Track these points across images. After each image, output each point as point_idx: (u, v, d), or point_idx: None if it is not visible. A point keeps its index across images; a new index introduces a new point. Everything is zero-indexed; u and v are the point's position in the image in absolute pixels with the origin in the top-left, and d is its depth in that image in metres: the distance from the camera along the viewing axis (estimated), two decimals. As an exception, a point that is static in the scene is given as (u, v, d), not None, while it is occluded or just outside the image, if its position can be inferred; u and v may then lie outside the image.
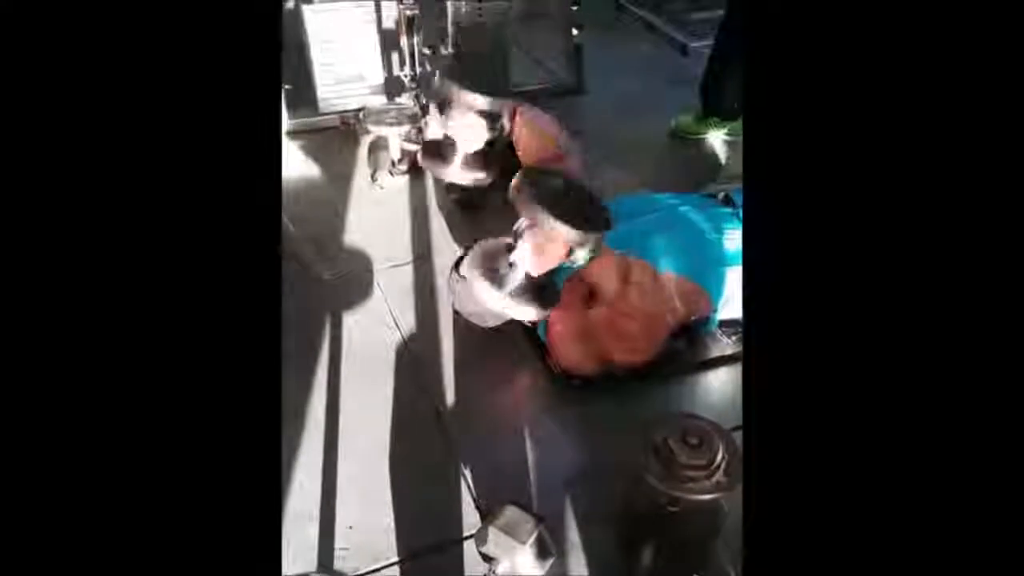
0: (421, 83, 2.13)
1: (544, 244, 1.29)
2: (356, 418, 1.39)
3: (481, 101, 1.68)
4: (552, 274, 1.49)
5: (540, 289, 1.36)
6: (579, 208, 1.28)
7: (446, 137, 1.76)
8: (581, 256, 1.29)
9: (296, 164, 2.16)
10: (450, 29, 2.30)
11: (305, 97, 2.25)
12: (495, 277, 1.33)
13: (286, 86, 2.23)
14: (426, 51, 2.18)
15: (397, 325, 1.60)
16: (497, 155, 1.81)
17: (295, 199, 2.00)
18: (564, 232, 1.23)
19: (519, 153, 1.84)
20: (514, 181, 1.29)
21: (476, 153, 1.76)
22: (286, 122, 2.23)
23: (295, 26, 2.23)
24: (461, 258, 1.49)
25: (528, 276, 1.38)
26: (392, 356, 1.52)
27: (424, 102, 2.12)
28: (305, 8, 2.11)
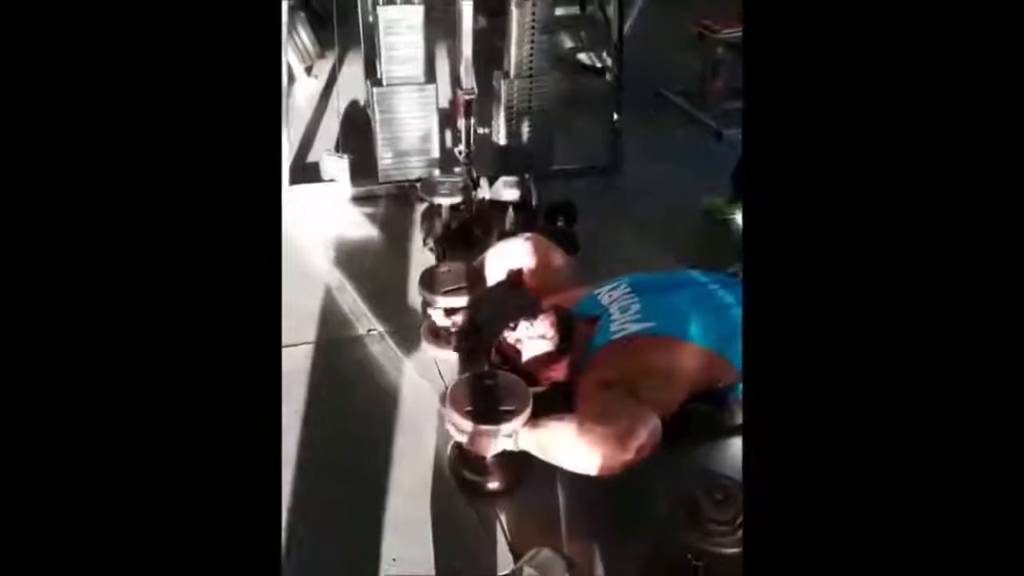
0: (473, 159, 2.33)
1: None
2: (404, 460, 1.50)
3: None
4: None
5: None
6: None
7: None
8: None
9: (357, 227, 2.37)
10: (503, 110, 2.53)
11: (368, 167, 2.48)
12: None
13: (351, 156, 2.47)
14: (482, 131, 2.40)
15: (441, 376, 1.73)
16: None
17: (354, 258, 2.19)
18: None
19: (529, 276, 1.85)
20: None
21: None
22: (351, 189, 2.45)
23: (365, 104, 2.48)
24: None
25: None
26: (436, 404, 1.65)
27: (475, 176, 2.32)
28: (375, 89, 2.36)
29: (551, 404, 1.48)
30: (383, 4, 2.24)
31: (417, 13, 2.27)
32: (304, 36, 3.12)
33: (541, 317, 1.60)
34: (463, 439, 1.40)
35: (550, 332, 1.60)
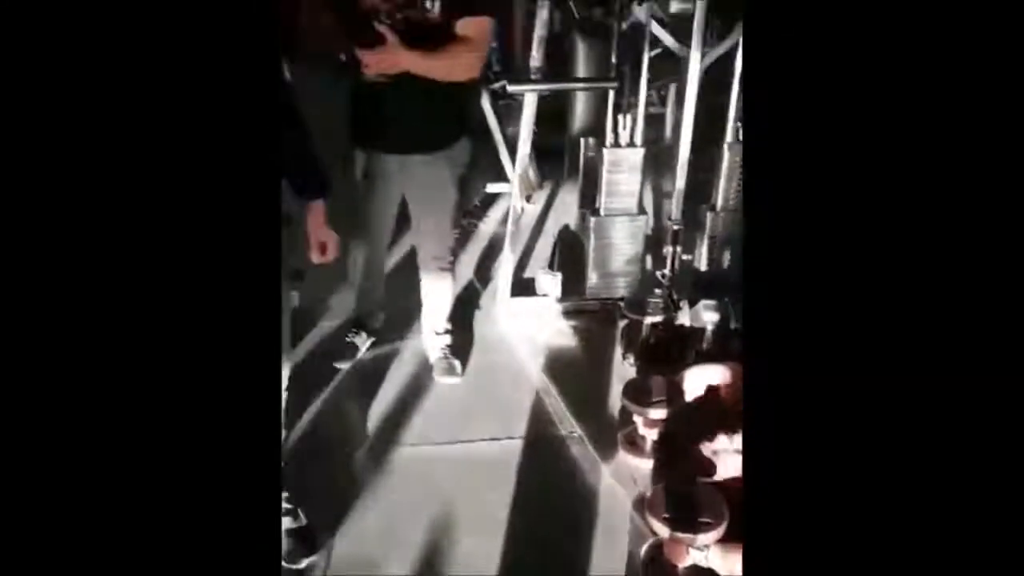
0: (675, 284, 2.50)
1: None
2: (596, 559, 1.63)
3: None
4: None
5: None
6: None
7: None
8: None
9: (565, 337, 2.63)
10: (706, 239, 2.70)
11: (577, 284, 2.76)
12: None
13: (560, 273, 2.76)
14: (685, 257, 2.59)
15: (635, 482, 1.85)
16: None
17: (560, 365, 2.43)
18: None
19: None
20: None
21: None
22: (560, 303, 2.74)
23: (576, 227, 2.78)
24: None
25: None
26: (628, 509, 1.76)
27: (676, 298, 2.48)
28: (592, 218, 2.66)
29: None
30: (609, 147, 2.57)
31: (638, 154, 2.56)
32: (530, 171, 3.59)
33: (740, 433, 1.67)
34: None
35: None
